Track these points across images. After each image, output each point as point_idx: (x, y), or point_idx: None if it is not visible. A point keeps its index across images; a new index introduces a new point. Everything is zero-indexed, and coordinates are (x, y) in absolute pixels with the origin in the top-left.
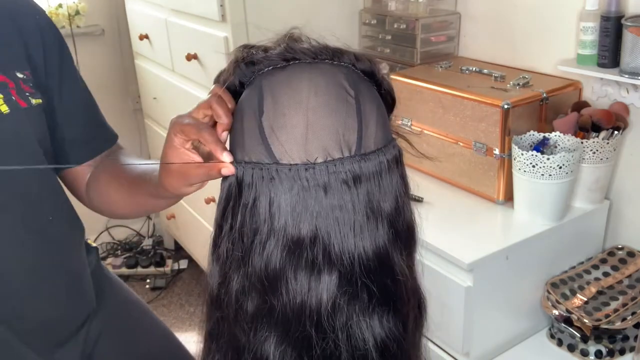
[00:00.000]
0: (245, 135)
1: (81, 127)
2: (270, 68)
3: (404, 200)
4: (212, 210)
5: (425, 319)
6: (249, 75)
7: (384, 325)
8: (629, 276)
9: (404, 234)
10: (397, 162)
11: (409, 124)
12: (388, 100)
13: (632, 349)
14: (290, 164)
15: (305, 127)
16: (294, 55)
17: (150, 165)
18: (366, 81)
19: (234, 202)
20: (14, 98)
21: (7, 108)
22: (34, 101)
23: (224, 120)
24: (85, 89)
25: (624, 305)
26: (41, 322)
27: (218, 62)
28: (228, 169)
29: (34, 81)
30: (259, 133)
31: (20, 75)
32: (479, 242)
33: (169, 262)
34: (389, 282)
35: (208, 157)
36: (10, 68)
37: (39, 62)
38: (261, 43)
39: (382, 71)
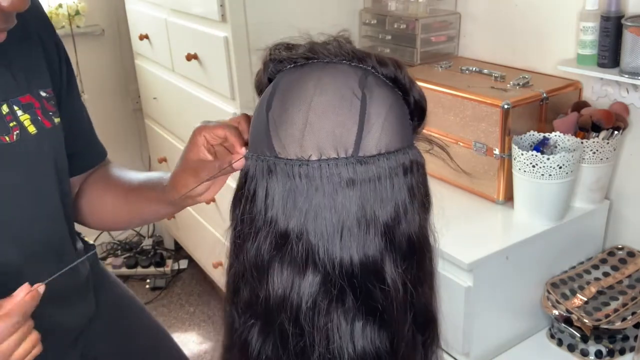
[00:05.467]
0: (255, 127)
1: (78, 141)
2: (292, 66)
3: (407, 210)
4: (212, 210)
5: (432, 344)
6: (274, 73)
7: (367, 335)
8: (629, 276)
9: (402, 246)
10: (406, 170)
11: None
12: (416, 109)
13: (632, 349)
14: (286, 159)
15: (304, 124)
16: (313, 55)
17: (154, 172)
18: (387, 86)
19: (239, 191)
20: (39, 118)
21: (34, 129)
22: (56, 120)
23: (236, 150)
24: (83, 105)
25: (624, 305)
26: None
27: (218, 62)
28: (239, 162)
29: (55, 99)
30: (264, 126)
31: (43, 94)
32: (479, 242)
33: (169, 262)
34: (376, 292)
35: (221, 158)
36: (35, 87)
37: (58, 79)
38: (295, 42)
39: (410, 79)
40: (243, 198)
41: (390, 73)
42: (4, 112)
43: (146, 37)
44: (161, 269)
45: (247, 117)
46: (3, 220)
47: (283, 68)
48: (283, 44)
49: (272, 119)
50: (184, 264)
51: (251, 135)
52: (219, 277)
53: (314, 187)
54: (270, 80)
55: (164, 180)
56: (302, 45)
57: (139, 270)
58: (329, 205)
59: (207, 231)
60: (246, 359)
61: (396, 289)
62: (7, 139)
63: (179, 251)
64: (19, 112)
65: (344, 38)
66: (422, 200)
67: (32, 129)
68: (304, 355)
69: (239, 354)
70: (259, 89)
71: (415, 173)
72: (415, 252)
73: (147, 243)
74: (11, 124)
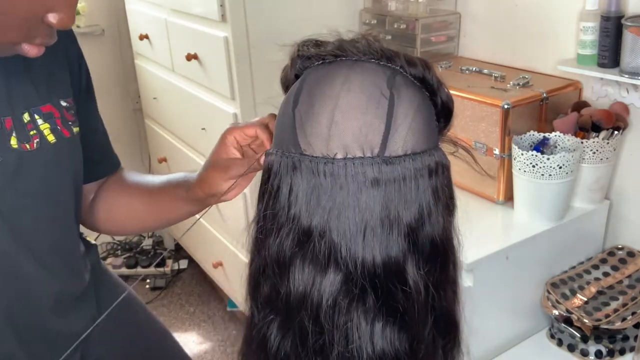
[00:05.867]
0: (280, 124)
1: (93, 150)
2: (320, 62)
3: (432, 212)
4: (213, 211)
5: (453, 348)
6: (302, 70)
7: (386, 335)
8: (629, 276)
9: (425, 248)
10: (432, 172)
11: None
12: (442, 111)
13: (632, 349)
14: (312, 156)
15: (330, 122)
16: (342, 53)
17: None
18: (415, 86)
19: (263, 186)
20: (59, 128)
21: (53, 138)
22: (75, 130)
23: (267, 148)
24: (100, 116)
25: (624, 305)
26: (50, 332)
27: (218, 62)
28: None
29: (75, 109)
30: (290, 123)
31: (64, 104)
32: (479, 242)
33: (169, 262)
34: (398, 293)
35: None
36: (55, 96)
37: (77, 89)
38: (324, 39)
39: (438, 80)
40: (267, 194)
41: (419, 73)
42: (25, 121)
43: (146, 37)
44: (161, 269)
45: (275, 117)
46: (19, 226)
47: (311, 65)
48: (312, 41)
49: (298, 115)
50: (184, 264)
51: (276, 132)
52: (219, 277)
53: (338, 185)
54: (297, 77)
55: (190, 178)
56: (330, 42)
57: (139, 270)
58: (352, 204)
59: (207, 231)
60: (265, 354)
61: (418, 291)
62: (28, 146)
63: (179, 251)
64: (40, 121)
65: (372, 37)
66: (446, 203)
67: (51, 138)
68: (322, 353)
69: (257, 349)
70: (285, 85)
71: (440, 175)
72: (438, 254)
73: (147, 243)
74: (31, 133)
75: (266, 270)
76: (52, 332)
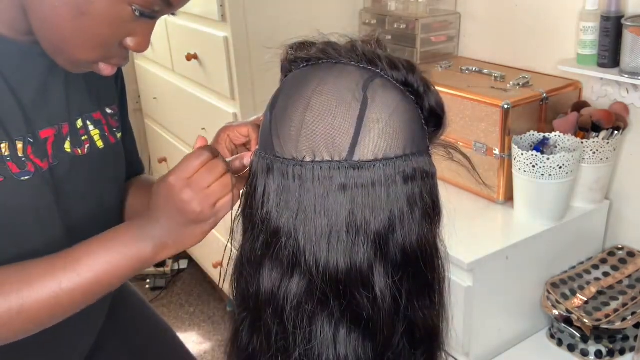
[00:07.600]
0: (262, 125)
1: (125, 151)
2: (304, 65)
3: (405, 220)
4: None
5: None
6: (288, 72)
7: (350, 342)
8: (629, 276)
9: (395, 256)
10: (407, 178)
11: None
12: (430, 116)
13: (632, 349)
14: (283, 158)
15: (301, 125)
16: (323, 55)
17: None
18: (396, 90)
19: (246, 186)
20: (106, 134)
21: (102, 144)
22: (118, 135)
23: (252, 149)
24: (129, 122)
25: (624, 305)
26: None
27: (218, 62)
28: (248, 159)
29: (118, 115)
30: (268, 125)
31: (109, 111)
32: (479, 242)
33: (169, 262)
34: (363, 300)
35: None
36: (104, 104)
37: (119, 94)
38: (314, 40)
39: (425, 83)
40: (246, 193)
41: (401, 76)
42: (78, 126)
43: None
44: (161, 269)
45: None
46: (72, 226)
47: (295, 68)
48: (297, 44)
49: (274, 117)
50: (184, 264)
51: (260, 133)
52: (219, 277)
53: (305, 188)
54: None
55: None
56: (316, 44)
57: None
58: (319, 208)
59: None
60: (236, 348)
61: (384, 300)
62: (80, 151)
63: None
64: (91, 127)
65: (376, 40)
66: (425, 211)
67: (100, 144)
68: (286, 352)
69: (230, 343)
70: None
71: (419, 182)
72: (410, 264)
73: None
74: (83, 138)
75: (242, 269)
76: (64, 340)
